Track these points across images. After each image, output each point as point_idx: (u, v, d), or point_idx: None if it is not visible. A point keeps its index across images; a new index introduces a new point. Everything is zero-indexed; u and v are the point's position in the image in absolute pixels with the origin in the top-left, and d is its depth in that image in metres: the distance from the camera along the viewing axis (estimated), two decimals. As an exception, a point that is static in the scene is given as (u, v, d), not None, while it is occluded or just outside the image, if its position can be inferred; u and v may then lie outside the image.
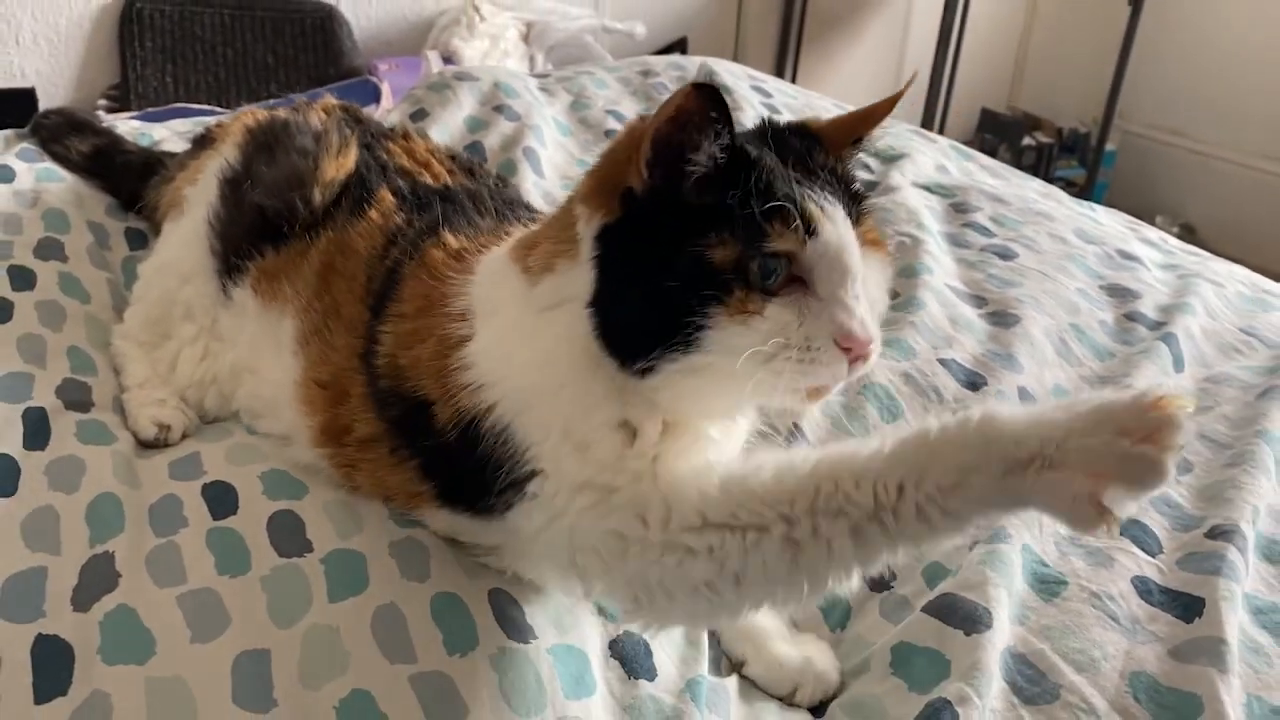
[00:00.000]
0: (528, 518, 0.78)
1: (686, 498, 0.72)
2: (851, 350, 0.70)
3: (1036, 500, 0.63)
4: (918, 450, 0.66)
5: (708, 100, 0.67)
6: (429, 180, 1.11)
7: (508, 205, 1.07)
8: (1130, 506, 0.60)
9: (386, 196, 1.05)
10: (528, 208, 1.12)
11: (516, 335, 0.81)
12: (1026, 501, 0.64)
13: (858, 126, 0.80)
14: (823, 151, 0.77)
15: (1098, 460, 0.59)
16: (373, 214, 1.03)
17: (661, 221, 0.71)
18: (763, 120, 0.81)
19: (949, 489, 0.64)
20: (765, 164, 0.71)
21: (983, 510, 0.65)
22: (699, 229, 0.69)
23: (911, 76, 0.89)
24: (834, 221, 0.71)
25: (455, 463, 0.82)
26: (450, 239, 0.94)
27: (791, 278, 0.70)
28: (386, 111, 2.46)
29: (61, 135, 1.50)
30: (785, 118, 0.86)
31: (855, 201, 0.76)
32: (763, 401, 0.79)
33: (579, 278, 0.76)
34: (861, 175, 1.79)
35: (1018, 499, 0.64)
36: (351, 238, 1.02)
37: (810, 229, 0.70)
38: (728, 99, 0.68)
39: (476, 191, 1.09)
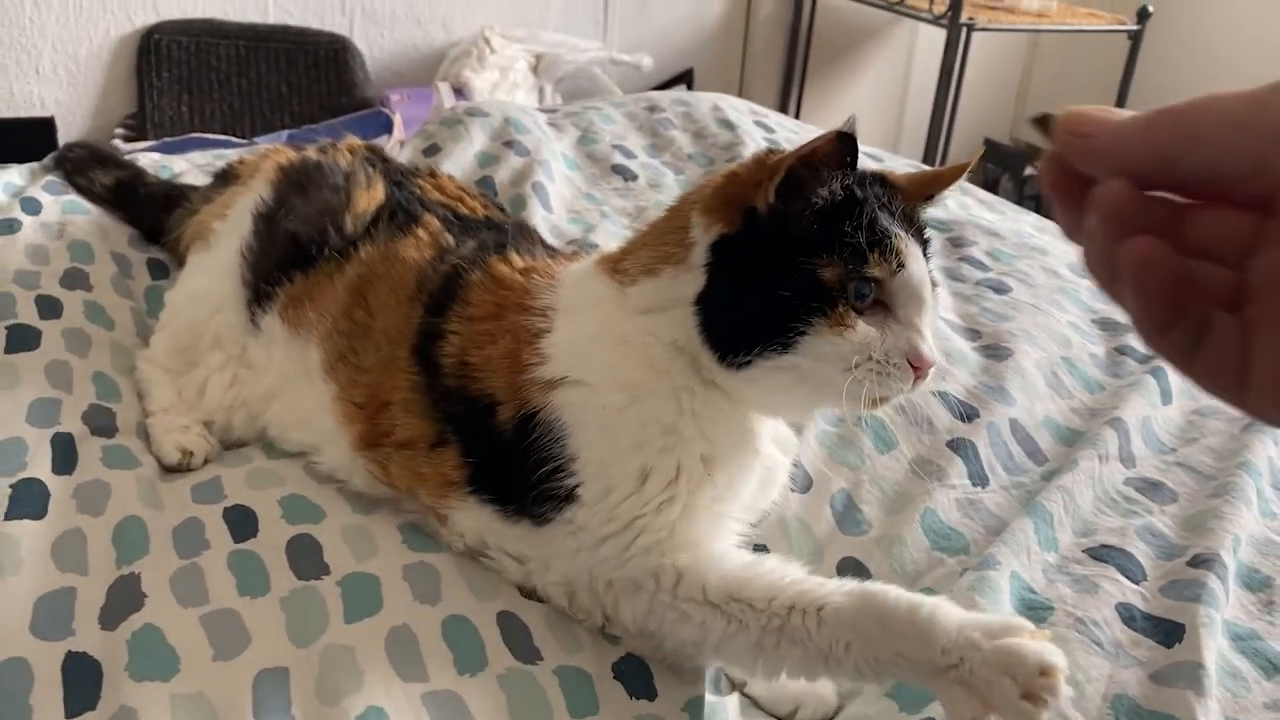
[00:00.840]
0: (561, 539, 0.88)
1: (695, 572, 0.83)
2: (919, 369, 0.81)
3: (942, 700, 0.73)
4: (871, 621, 0.76)
5: (845, 147, 0.79)
6: (466, 212, 1.18)
7: (546, 245, 1.14)
8: None
9: (433, 221, 1.12)
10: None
11: (603, 333, 0.89)
12: (936, 694, 0.75)
13: (931, 185, 0.90)
14: (901, 200, 0.87)
15: (994, 694, 0.69)
16: (420, 232, 1.10)
17: (780, 239, 0.81)
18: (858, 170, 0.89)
19: (883, 662, 0.75)
20: (870, 203, 0.82)
21: (905, 681, 0.80)
22: (812, 250, 0.80)
23: (980, 153, 1.10)
24: (916, 260, 0.83)
25: (505, 458, 0.89)
26: (516, 257, 1.02)
27: (877, 301, 0.82)
28: (399, 143, 2.51)
29: (86, 168, 1.55)
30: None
31: (924, 246, 0.87)
32: (832, 406, 0.91)
33: (687, 281, 0.86)
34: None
35: (930, 689, 0.75)
36: (397, 249, 1.08)
37: (900, 263, 0.81)
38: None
39: (522, 225, 1.17)
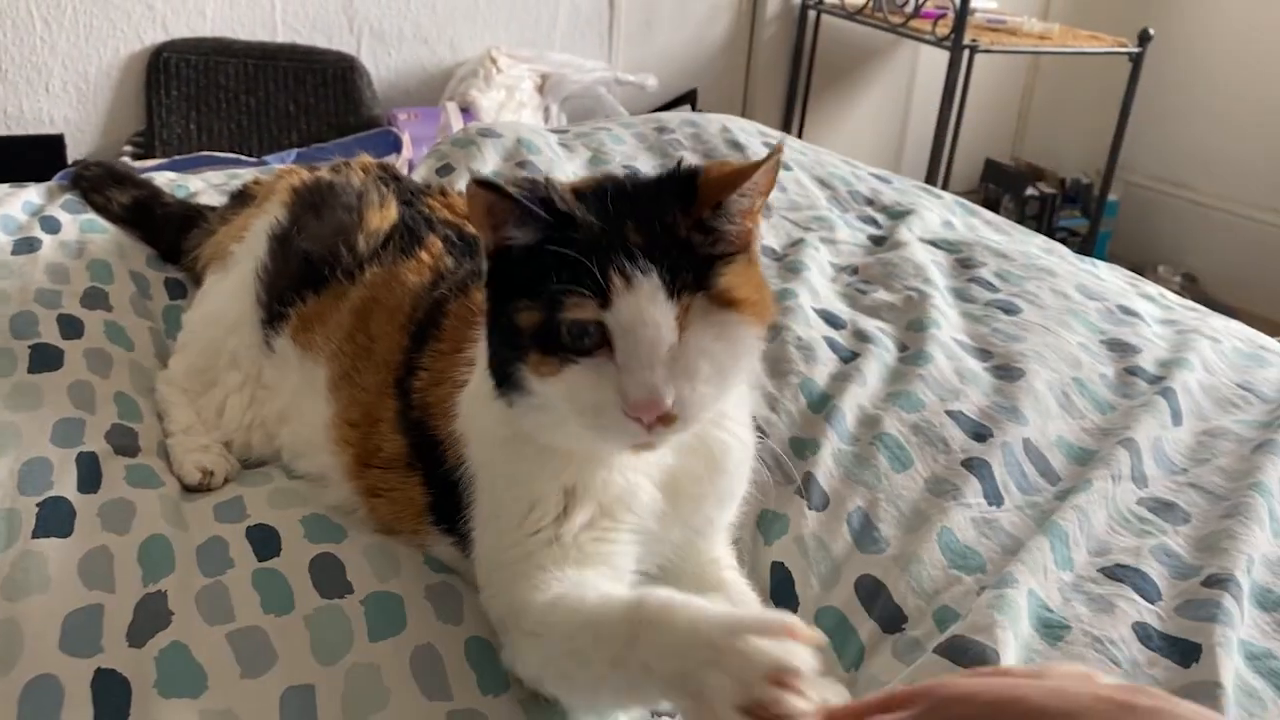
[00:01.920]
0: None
1: (534, 605, 0.79)
2: (643, 418, 0.74)
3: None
4: (617, 626, 0.70)
5: (492, 199, 0.75)
6: (473, 233, 1.18)
7: None
8: None
9: (436, 243, 1.13)
10: None
11: (482, 383, 0.88)
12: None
13: (723, 189, 0.78)
14: (683, 211, 0.77)
15: (715, 701, 0.60)
16: (423, 254, 1.11)
17: (498, 279, 0.80)
18: (675, 168, 0.83)
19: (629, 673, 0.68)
20: (580, 233, 0.75)
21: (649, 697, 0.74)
22: (514, 291, 0.77)
23: (779, 147, 0.84)
24: (635, 293, 0.73)
25: (451, 494, 0.91)
26: None
27: (606, 342, 0.74)
28: (407, 160, 2.53)
29: (102, 187, 1.56)
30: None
31: (705, 263, 0.76)
32: (594, 448, 0.83)
33: None
34: (870, 230, 1.85)
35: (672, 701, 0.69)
36: (400, 273, 1.09)
37: (605, 301, 0.73)
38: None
39: None
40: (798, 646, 0.60)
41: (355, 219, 1.16)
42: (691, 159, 2.02)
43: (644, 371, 0.73)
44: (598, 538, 0.84)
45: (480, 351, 0.88)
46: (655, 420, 0.74)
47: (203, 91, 2.90)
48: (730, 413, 0.91)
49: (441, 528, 0.94)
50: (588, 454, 0.84)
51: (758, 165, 0.78)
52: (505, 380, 0.79)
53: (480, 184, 0.75)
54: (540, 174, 1.79)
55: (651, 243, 0.75)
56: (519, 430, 0.83)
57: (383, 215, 1.17)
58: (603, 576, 0.83)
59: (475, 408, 0.89)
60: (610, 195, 0.79)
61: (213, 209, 1.45)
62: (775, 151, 0.79)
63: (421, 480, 0.95)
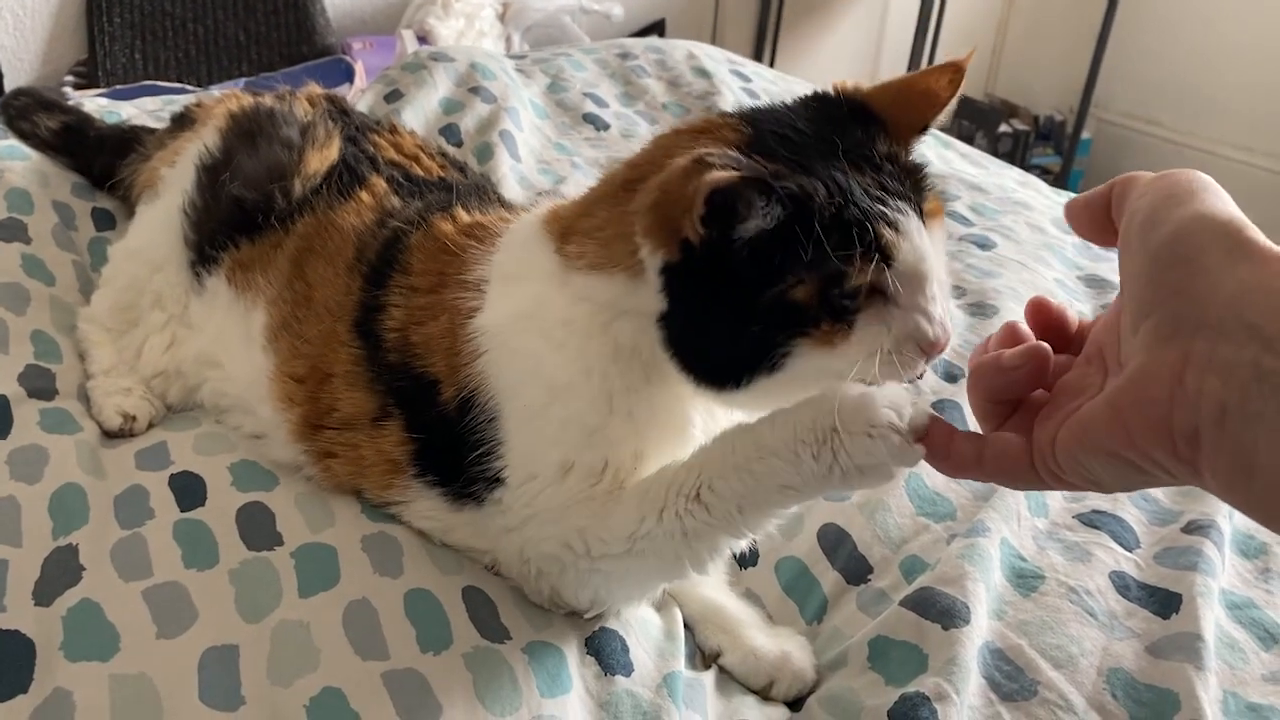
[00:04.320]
0: (493, 518, 0.83)
1: (596, 527, 0.78)
2: (930, 352, 0.71)
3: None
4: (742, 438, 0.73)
5: (751, 186, 0.65)
6: (420, 173, 1.10)
7: (505, 203, 1.06)
8: None
9: (379, 182, 1.05)
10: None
11: (535, 314, 0.81)
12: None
13: (925, 112, 0.76)
14: (886, 139, 0.74)
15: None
16: (363, 195, 1.03)
17: (730, 269, 0.69)
18: (823, 96, 0.78)
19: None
20: (828, 199, 0.68)
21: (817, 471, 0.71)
22: (773, 272, 0.68)
23: (970, 52, 0.83)
24: (909, 235, 0.69)
25: (449, 435, 0.83)
26: (461, 213, 0.94)
27: (872, 289, 0.69)
28: (360, 91, 2.43)
29: (29, 113, 1.46)
30: (784, 97, 0.83)
31: (920, 186, 0.74)
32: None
33: (645, 296, 0.75)
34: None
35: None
36: (336, 217, 1.01)
37: (888, 256, 0.68)
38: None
39: (479, 185, 1.09)
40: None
41: (295, 158, 1.07)
42: (657, 88, 1.94)
43: (933, 306, 0.71)
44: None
45: (501, 278, 0.84)
46: (934, 356, 0.72)
47: (147, 19, 2.77)
48: None
49: (428, 479, 0.86)
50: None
51: (953, 79, 0.77)
52: (752, 365, 0.71)
53: (747, 179, 0.65)
54: (495, 101, 1.71)
55: (885, 180, 0.71)
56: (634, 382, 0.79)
57: (323, 156, 1.08)
58: None
59: (528, 346, 0.80)
60: (791, 139, 0.72)
61: (150, 131, 1.36)
62: (962, 62, 0.77)
63: (403, 428, 0.87)
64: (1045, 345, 0.57)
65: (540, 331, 0.80)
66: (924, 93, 0.76)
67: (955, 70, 0.77)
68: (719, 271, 0.69)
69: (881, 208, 0.69)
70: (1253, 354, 0.43)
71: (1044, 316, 0.62)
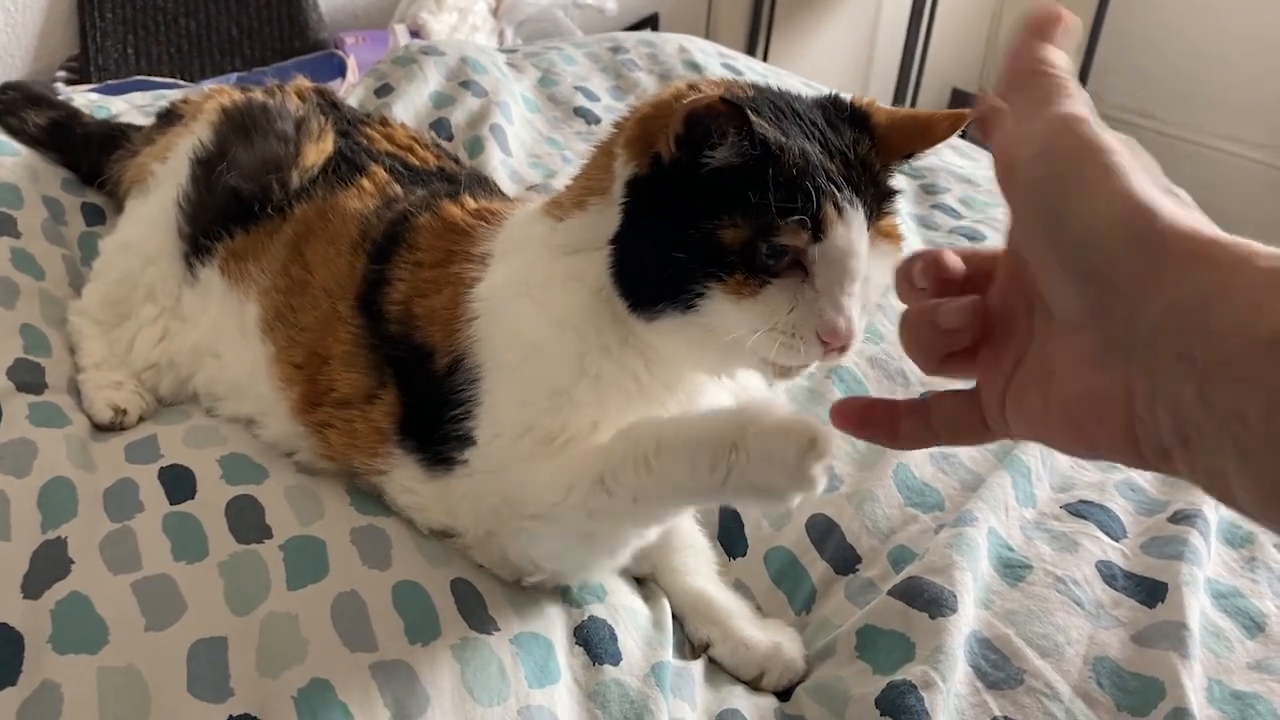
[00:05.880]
0: (459, 484, 0.85)
1: (538, 489, 0.79)
2: (830, 344, 0.73)
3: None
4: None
5: (731, 112, 0.69)
6: (416, 163, 1.12)
7: (504, 195, 1.08)
8: None
9: (379, 171, 1.07)
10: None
11: (522, 279, 0.84)
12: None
13: (915, 138, 0.79)
14: (872, 150, 0.77)
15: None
16: (365, 182, 1.04)
17: (683, 192, 0.73)
18: (836, 97, 0.81)
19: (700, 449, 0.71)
20: (792, 159, 0.71)
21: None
22: (715, 209, 0.72)
23: (979, 107, 0.86)
24: (848, 225, 0.72)
25: (433, 400, 0.86)
26: (469, 199, 0.97)
27: (796, 262, 0.72)
28: (351, 86, 2.42)
29: (18, 109, 1.46)
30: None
31: (883, 199, 0.77)
32: (744, 368, 0.82)
33: (609, 217, 0.79)
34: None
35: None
36: (339, 201, 1.02)
37: (820, 231, 0.71)
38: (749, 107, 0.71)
39: (481, 176, 1.12)
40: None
41: (291, 151, 1.08)
42: (648, 81, 1.94)
43: (845, 299, 0.72)
44: None
45: (504, 252, 0.87)
46: (836, 347, 0.73)
47: (139, 14, 2.76)
48: None
49: (410, 445, 0.88)
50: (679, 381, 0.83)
51: (951, 126, 0.78)
52: (667, 296, 0.75)
53: (725, 100, 0.69)
54: (486, 95, 1.71)
55: (852, 174, 0.74)
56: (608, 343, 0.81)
57: (319, 149, 1.09)
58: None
59: (515, 310, 0.83)
60: (785, 113, 0.76)
61: (137, 129, 1.36)
62: (966, 114, 0.79)
63: (395, 398, 0.89)
64: (979, 299, 0.52)
65: (525, 292, 0.83)
66: (923, 126, 0.79)
67: (958, 119, 0.79)
68: (674, 195, 0.74)
69: (836, 190, 0.72)
70: (1194, 388, 0.38)
71: (941, 270, 0.55)
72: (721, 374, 0.84)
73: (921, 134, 0.79)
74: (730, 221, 0.71)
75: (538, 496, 0.79)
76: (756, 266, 0.72)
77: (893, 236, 0.78)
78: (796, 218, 0.70)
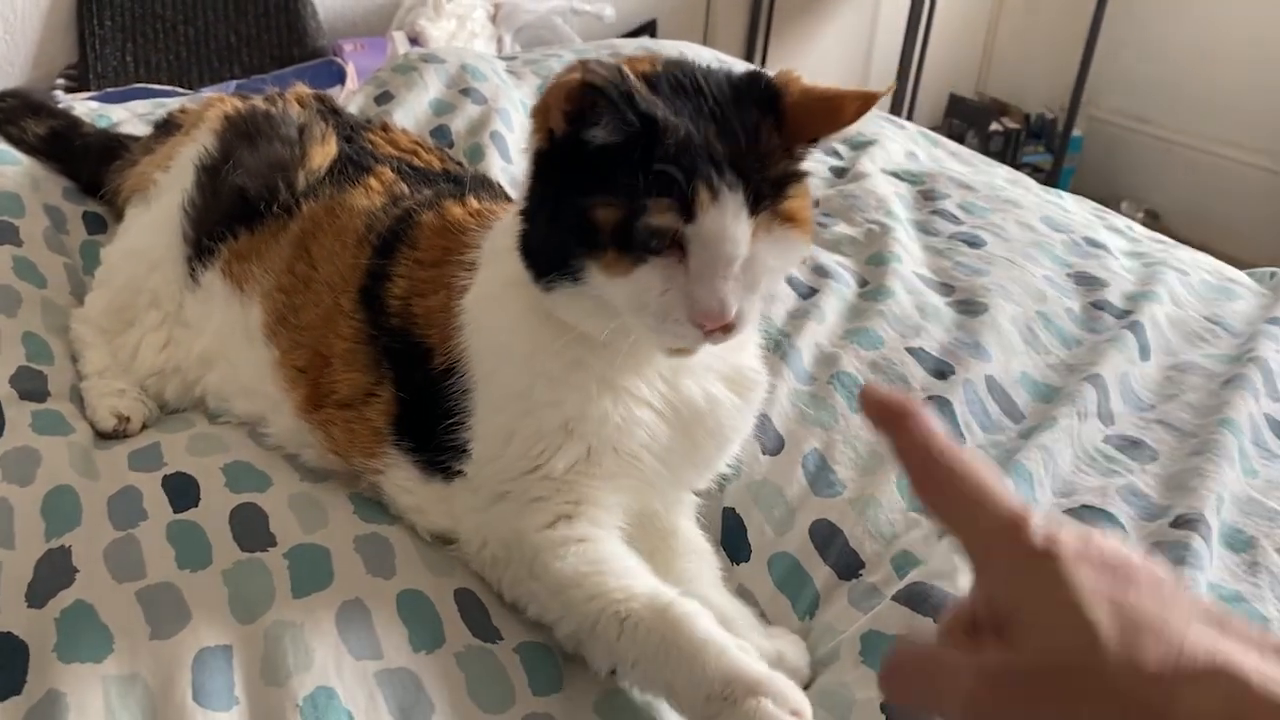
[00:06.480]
0: (460, 495, 0.86)
1: (545, 555, 0.80)
2: (705, 327, 0.74)
3: None
4: (656, 645, 0.74)
5: (587, 96, 0.70)
6: (422, 165, 1.14)
7: (509, 198, 1.09)
8: None
9: (386, 171, 1.08)
10: None
11: (493, 288, 0.86)
12: None
13: (821, 124, 0.78)
14: (776, 134, 0.76)
15: None
16: (372, 181, 1.06)
17: (568, 168, 0.75)
18: (755, 74, 0.81)
19: (660, 690, 0.75)
20: (670, 139, 0.72)
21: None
22: (594, 185, 0.74)
23: (890, 86, 0.90)
24: (721, 208, 0.72)
25: (428, 402, 0.87)
26: (473, 200, 0.99)
27: (676, 244, 0.73)
28: (351, 93, 2.42)
29: (17, 117, 1.46)
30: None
31: (785, 182, 0.76)
32: (646, 344, 0.82)
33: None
34: (832, 161, 1.79)
35: None
36: (346, 198, 1.04)
37: (690, 214, 0.72)
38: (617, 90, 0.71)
39: (487, 180, 1.13)
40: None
41: (297, 154, 1.09)
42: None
43: (718, 282, 0.73)
44: (585, 471, 0.83)
45: (487, 259, 0.88)
46: (717, 329, 0.74)
47: (138, 22, 2.77)
48: (755, 338, 0.95)
49: (406, 446, 0.89)
50: (604, 365, 0.83)
51: (861, 107, 0.77)
52: (556, 268, 0.77)
53: (584, 84, 0.71)
54: (486, 102, 1.72)
55: (737, 156, 0.74)
56: (543, 341, 0.82)
57: (324, 151, 1.11)
58: (591, 520, 0.84)
59: (488, 318, 0.86)
60: (687, 90, 0.76)
61: (136, 138, 1.36)
62: (878, 93, 0.78)
63: (393, 392, 0.91)
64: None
65: (495, 300, 0.85)
66: (832, 109, 0.77)
67: (866, 99, 0.77)
68: (564, 170, 0.76)
69: (714, 174, 0.72)
70: None
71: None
72: (635, 347, 0.82)
73: (829, 117, 0.77)
74: (604, 201, 0.73)
75: (546, 586, 0.80)
76: (635, 245, 0.73)
77: (796, 220, 0.77)
78: (667, 198, 0.71)
